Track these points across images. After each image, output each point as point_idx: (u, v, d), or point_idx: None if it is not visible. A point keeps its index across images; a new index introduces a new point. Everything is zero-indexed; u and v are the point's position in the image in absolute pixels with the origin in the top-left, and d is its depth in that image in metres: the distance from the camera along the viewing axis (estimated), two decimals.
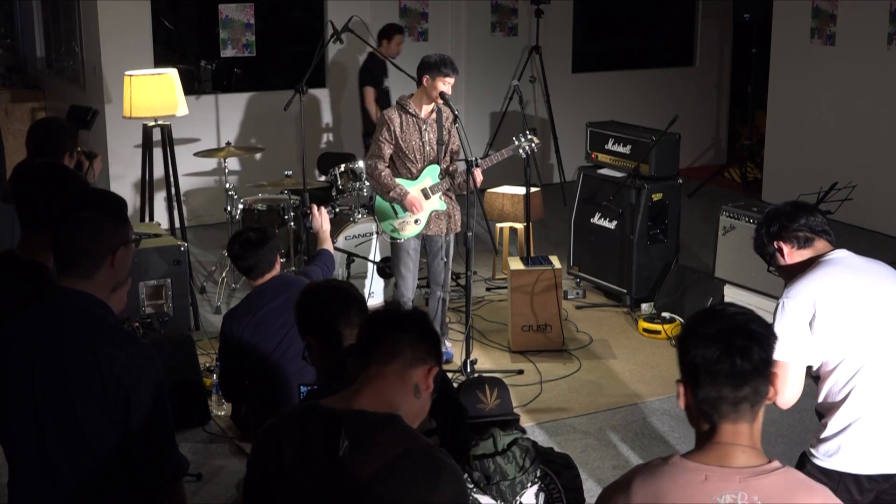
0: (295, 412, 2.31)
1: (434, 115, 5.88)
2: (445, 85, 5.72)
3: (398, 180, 5.88)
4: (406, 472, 2.11)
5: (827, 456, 3.31)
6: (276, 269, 4.77)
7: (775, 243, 3.45)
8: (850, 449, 3.29)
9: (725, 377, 2.04)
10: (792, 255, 3.44)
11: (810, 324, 3.26)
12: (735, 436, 2.06)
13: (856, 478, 3.26)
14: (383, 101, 8.28)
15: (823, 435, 3.34)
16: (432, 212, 5.96)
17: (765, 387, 2.07)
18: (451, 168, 5.97)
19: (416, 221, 5.95)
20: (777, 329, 2.82)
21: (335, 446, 2.12)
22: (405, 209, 5.89)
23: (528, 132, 6.18)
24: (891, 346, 3.30)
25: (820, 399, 3.39)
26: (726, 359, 2.03)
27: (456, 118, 5.83)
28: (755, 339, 2.04)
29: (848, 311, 3.29)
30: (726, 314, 2.10)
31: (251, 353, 4.60)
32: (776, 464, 2.06)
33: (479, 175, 5.73)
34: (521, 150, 6.14)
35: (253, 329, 4.55)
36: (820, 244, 3.43)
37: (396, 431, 2.19)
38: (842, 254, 3.42)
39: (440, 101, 5.80)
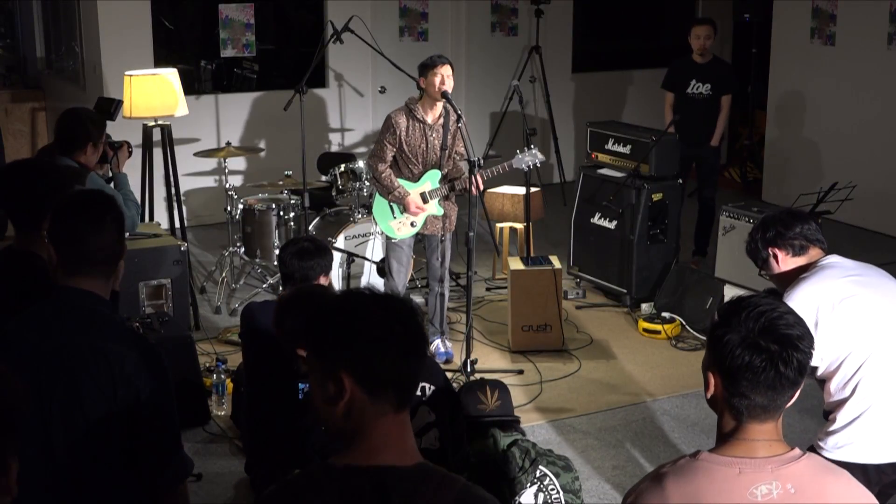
0: (311, 479, 1.98)
1: (441, 120, 5.90)
2: (438, 76, 5.72)
3: (399, 181, 5.93)
4: None
5: (836, 448, 3.39)
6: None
7: (770, 249, 3.57)
8: (859, 440, 3.37)
9: (767, 387, 2.03)
10: (786, 261, 3.56)
11: (814, 328, 3.31)
12: (761, 433, 2.08)
13: (863, 468, 3.32)
14: (679, 105, 7.79)
15: (832, 428, 3.42)
16: (429, 215, 6.00)
17: (797, 391, 2.08)
18: (452, 170, 5.99)
19: (412, 224, 6.00)
20: None
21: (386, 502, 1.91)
22: (403, 212, 5.95)
23: (531, 145, 6.13)
24: (893, 337, 3.40)
25: (827, 398, 3.47)
26: (771, 368, 2.02)
27: (459, 118, 5.84)
28: (798, 348, 2.03)
29: (848, 310, 3.39)
30: (768, 315, 2.05)
31: (258, 369, 4.43)
32: (798, 451, 2.08)
33: (480, 182, 5.73)
34: (523, 165, 6.12)
35: (266, 348, 4.36)
36: (813, 252, 3.56)
37: (434, 481, 1.95)
38: (834, 259, 3.54)
39: (442, 101, 5.81)
